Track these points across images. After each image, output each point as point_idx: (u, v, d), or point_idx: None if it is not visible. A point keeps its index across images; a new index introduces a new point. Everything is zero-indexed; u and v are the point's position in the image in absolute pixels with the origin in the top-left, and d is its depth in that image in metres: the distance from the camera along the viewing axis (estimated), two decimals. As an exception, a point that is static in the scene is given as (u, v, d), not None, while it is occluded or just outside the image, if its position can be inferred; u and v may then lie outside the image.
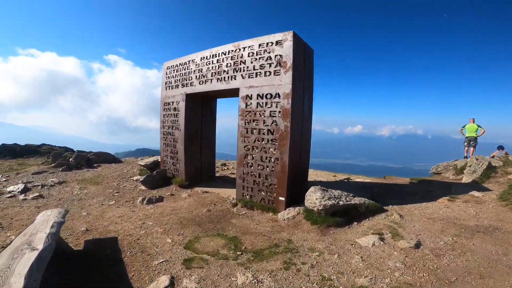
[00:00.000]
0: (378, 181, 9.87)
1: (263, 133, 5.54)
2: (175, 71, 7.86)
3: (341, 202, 4.96)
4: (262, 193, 5.73)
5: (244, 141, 5.83)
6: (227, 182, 8.56)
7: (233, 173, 9.92)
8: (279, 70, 5.35)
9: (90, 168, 10.13)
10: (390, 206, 5.90)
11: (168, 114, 8.06)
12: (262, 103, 5.57)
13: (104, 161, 11.09)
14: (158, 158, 9.28)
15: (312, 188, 5.25)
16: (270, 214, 5.52)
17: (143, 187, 7.56)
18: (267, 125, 5.48)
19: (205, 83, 6.83)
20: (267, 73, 5.54)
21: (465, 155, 11.59)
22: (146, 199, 6.37)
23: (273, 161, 5.45)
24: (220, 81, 6.44)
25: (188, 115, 7.53)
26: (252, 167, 5.79)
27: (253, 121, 5.69)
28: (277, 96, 5.36)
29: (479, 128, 11.35)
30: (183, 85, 7.55)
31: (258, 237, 4.53)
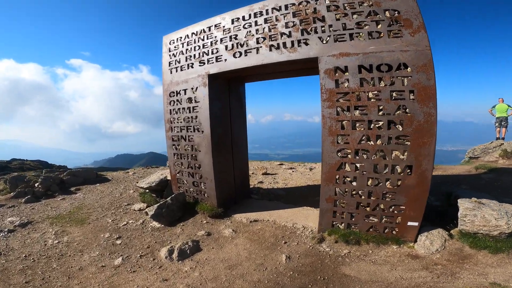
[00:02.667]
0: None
1: (379, 127, 3.58)
2: (186, 44, 5.43)
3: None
4: (374, 219, 3.86)
5: (338, 142, 3.81)
6: (268, 198, 6.48)
7: (262, 182, 7.82)
8: (400, 30, 3.48)
9: (66, 195, 7.20)
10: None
11: (178, 108, 5.64)
12: (372, 78, 3.60)
13: (85, 181, 8.12)
14: (165, 173, 6.79)
15: (466, 204, 3.60)
16: (394, 247, 3.73)
17: (155, 224, 5.15)
18: (387, 114, 3.52)
19: (245, 55, 4.59)
20: (374, 34, 3.61)
21: (497, 136, 11.38)
22: (175, 250, 4.06)
23: (399, 170, 3.55)
24: (277, 49, 4.27)
25: (214, 108, 5.23)
26: (354, 183, 3.83)
27: (356, 108, 3.69)
28: (401, 67, 3.45)
29: (510, 108, 11.19)
30: (202, 63, 5.18)
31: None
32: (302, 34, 4.06)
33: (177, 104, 5.70)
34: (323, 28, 3.91)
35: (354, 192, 3.86)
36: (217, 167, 5.34)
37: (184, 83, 5.48)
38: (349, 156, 3.78)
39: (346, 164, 3.82)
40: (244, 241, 4.40)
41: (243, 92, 6.16)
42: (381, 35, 3.56)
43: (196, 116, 5.35)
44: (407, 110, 3.41)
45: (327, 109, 3.82)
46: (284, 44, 4.19)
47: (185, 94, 5.51)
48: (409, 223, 3.61)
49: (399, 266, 3.34)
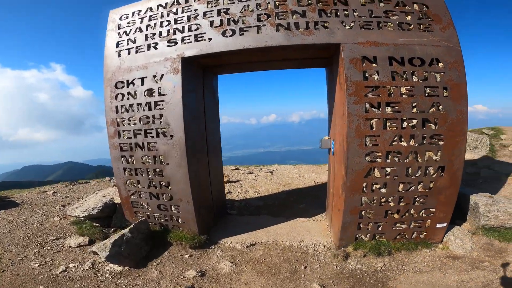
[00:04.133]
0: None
1: (412, 126, 3.41)
2: (148, 19, 4.15)
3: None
4: (402, 225, 3.79)
5: (366, 145, 3.46)
6: (248, 212, 5.73)
7: (230, 192, 6.94)
8: (430, 24, 3.43)
9: None
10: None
11: (131, 105, 4.22)
12: (404, 72, 3.38)
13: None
14: (108, 194, 5.09)
15: (484, 200, 3.97)
16: (427, 251, 3.75)
17: (114, 267, 3.71)
18: (421, 111, 3.37)
19: (240, 34, 3.70)
20: (404, 26, 3.45)
21: None
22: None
23: (432, 172, 3.48)
24: (286, 29, 3.58)
25: (189, 104, 4.11)
26: (383, 190, 3.58)
27: (387, 105, 3.40)
28: (434, 62, 3.38)
29: None
30: (172, 42, 3.97)
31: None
32: (320, 16, 3.51)
33: (128, 99, 4.26)
34: (346, 12, 3.49)
35: (383, 200, 3.62)
36: (195, 184, 4.24)
37: (141, 69, 4.12)
38: (378, 160, 3.49)
39: (375, 169, 3.52)
40: (254, 276, 3.61)
41: (216, 86, 5.18)
42: (411, 27, 3.43)
43: (161, 115, 4.08)
44: (440, 107, 3.35)
45: (353, 106, 3.40)
46: (297, 24, 3.55)
47: (142, 84, 4.16)
48: (438, 225, 3.67)
49: (448, 270, 3.34)
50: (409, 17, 3.42)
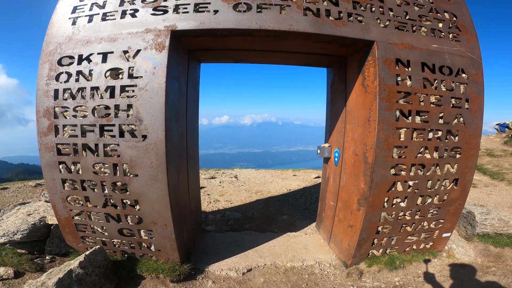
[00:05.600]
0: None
1: (437, 138, 3.32)
2: None
3: None
4: (413, 238, 3.77)
5: (392, 157, 3.23)
6: (227, 226, 4.99)
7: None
8: (458, 34, 3.39)
9: None
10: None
11: (81, 89, 2.97)
12: (435, 80, 3.25)
13: None
14: (36, 211, 3.55)
15: (479, 209, 4.36)
16: (435, 260, 3.82)
17: None
18: (446, 123, 3.31)
19: (258, 11, 2.95)
20: (434, 32, 3.32)
21: None
22: None
23: (447, 184, 3.51)
24: (315, 15, 3.02)
25: (172, 94, 3.14)
26: (403, 204, 3.44)
27: (417, 113, 3.22)
28: (459, 73, 3.35)
29: None
30: (161, 10, 2.93)
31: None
32: (354, 8, 3.08)
33: (78, 80, 2.99)
34: (381, 10, 3.17)
35: (401, 214, 3.48)
36: (175, 203, 3.30)
37: (106, 41, 2.92)
38: (403, 172, 3.31)
39: (399, 183, 3.34)
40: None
41: (199, 76, 4.22)
42: (442, 35, 3.34)
43: (129, 106, 2.96)
44: (461, 120, 3.37)
45: (385, 112, 3.11)
46: (328, 12, 3.02)
47: (104, 61, 2.96)
48: (444, 235, 3.81)
49: (464, 278, 3.45)
50: (440, 25, 3.32)
